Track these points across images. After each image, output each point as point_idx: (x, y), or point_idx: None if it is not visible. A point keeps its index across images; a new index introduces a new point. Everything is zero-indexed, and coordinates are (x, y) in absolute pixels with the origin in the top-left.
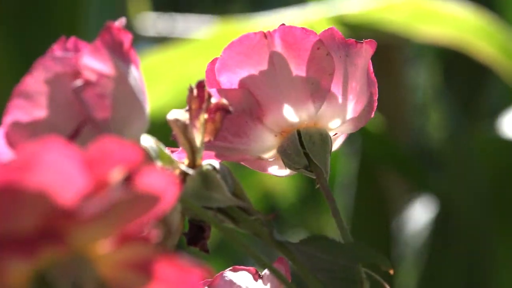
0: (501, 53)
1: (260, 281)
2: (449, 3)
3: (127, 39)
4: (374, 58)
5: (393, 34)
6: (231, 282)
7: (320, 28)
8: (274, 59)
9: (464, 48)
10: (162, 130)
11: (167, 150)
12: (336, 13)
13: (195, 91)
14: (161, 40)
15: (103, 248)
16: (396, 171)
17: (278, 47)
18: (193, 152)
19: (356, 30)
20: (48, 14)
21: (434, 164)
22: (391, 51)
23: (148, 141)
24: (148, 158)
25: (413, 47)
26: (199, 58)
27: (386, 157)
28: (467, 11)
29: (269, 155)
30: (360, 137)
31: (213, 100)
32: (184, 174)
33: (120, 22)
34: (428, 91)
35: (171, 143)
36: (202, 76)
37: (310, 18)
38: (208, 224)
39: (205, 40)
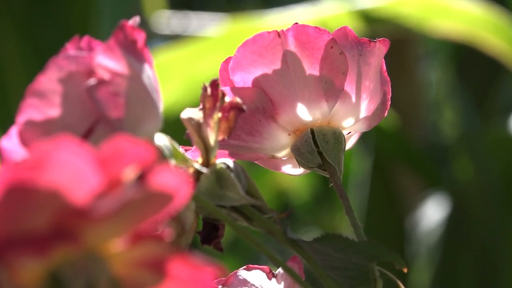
0: None
1: (274, 279)
2: None
3: (140, 37)
4: (387, 55)
5: (406, 29)
6: (245, 281)
7: (333, 23)
8: (288, 58)
9: (476, 43)
10: (174, 127)
11: (181, 149)
12: (348, 8)
13: (209, 90)
14: (175, 38)
15: (117, 247)
16: (410, 168)
17: (292, 46)
18: (207, 151)
19: (369, 25)
20: (62, 11)
21: (448, 161)
22: (404, 48)
23: (162, 140)
24: (162, 156)
25: (427, 44)
26: (211, 56)
27: (400, 154)
28: (479, 6)
29: (283, 153)
30: (373, 135)
31: (227, 99)
32: (198, 173)
33: (134, 21)
34: (441, 88)
35: (183, 140)
36: (214, 73)
37: (323, 14)
38: (222, 222)
39: (217, 37)
